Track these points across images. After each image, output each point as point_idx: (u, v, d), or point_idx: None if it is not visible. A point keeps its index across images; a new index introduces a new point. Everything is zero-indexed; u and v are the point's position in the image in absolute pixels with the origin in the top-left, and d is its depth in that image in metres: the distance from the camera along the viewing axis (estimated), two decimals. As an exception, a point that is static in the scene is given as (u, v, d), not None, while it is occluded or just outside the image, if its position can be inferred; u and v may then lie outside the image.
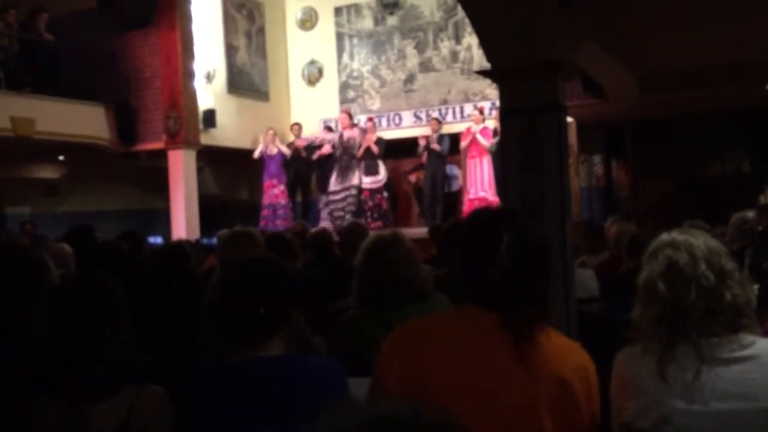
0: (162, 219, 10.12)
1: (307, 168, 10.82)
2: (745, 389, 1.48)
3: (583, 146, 10.48)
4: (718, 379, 1.50)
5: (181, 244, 3.11)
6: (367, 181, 10.13)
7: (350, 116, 10.43)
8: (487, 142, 9.58)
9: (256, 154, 10.49)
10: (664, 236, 1.65)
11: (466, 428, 0.61)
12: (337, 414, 0.57)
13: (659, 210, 9.39)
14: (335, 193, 10.18)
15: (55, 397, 1.62)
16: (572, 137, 10.11)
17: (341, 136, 10.31)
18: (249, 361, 1.50)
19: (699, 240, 1.61)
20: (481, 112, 9.94)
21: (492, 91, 9.38)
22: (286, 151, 10.51)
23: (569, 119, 9.62)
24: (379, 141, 10.12)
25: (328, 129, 10.91)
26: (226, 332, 1.55)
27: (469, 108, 10.62)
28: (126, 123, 9.77)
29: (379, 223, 9.48)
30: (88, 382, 1.58)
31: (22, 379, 1.64)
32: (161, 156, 9.78)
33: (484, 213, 1.54)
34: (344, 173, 10.16)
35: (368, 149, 10.07)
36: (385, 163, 10.36)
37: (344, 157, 10.20)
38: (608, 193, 11.05)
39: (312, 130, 11.40)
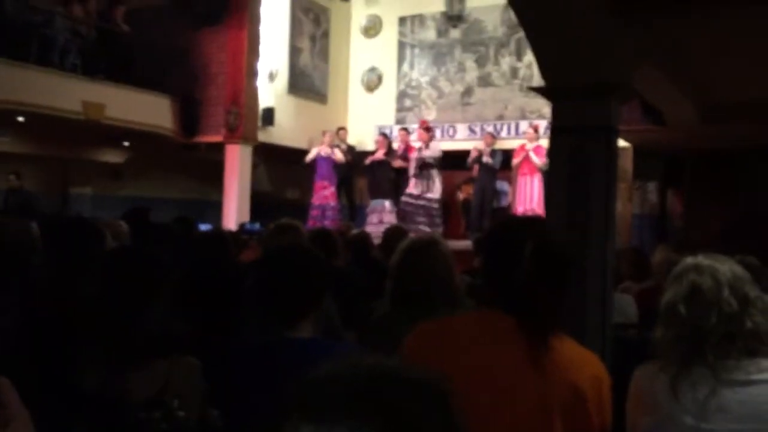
0: (215, 210, 10.42)
1: (351, 172, 10.94)
2: (759, 412, 1.49)
3: (639, 172, 10.28)
4: (732, 401, 1.52)
5: (221, 232, 3.26)
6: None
7: (428, 129, 10.35)
8: (539, 160, 9.52)
9: (310, 156, 10.61)
10: (689, 260, 1.67)
11: (455, 395, 0.68)
12: (336, 364, 0.64)
13: (713, 243, 9.13)
14: (414, 197, 10.21)
15: (99, 359, 1.73)
16: (627, 162, 9.96)
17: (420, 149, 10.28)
18: (279, 341, 1.59)
19: (724, 266, 1.62)
20: (536, 130, 9.89)
21: (549, 110, 9.33)
22: (340, 157, 10.60)
23: (626, 144, 9.49)
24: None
25: (384, 137, 11.00)
26: (261, 311, 1.65)
27: (524, 125, 10.59)
28: (189, 115, 10.11)
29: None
30: (128, 347, 1.69)
31: (71, 341, 1.77)
32: (219, 149, 10.08)
33: (510, 220, 1.59)
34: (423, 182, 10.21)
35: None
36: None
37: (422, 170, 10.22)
38: (661, 223, 10.81)
39: (367, 136, 11.56)
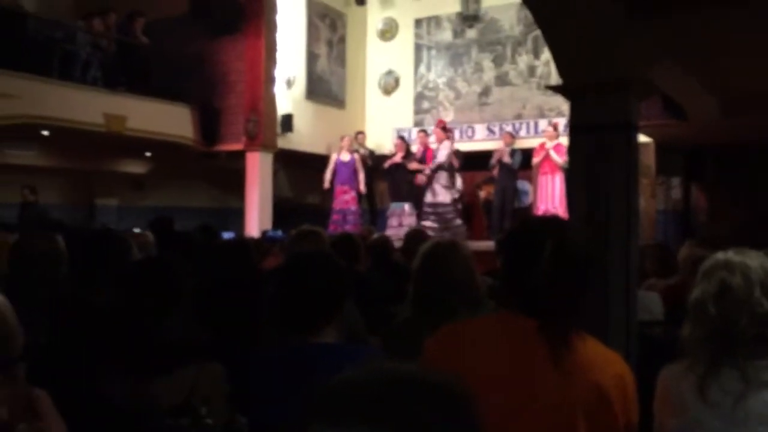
0: (237, 217, 10.51)
1: (370, 176, 10.96)
2: None
3: (662, 168, 10.18)
4: (763, 403, 1.49)
5: (244, 240, 3.30)
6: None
7: (445, 129, 10.27)
8: (560, 158, 9.46)
9: (332, 162, 10.63)
10: (720, 255, 1.62)
11: (473, 398, 0.69)
12: (355, 369, 0.65)
13: (738, 238, 9.00)
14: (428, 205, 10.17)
15: (125, 368, 1.77)
16: (650, 158, 9.86)
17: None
18: (302, 346, 1.61)
19: (755, 262, 1.57)
20: (555, 128, 9.83)
21: (568, 107, 9.27)
22: (357, 159, 10.62)
23: (647, 139, 9.40)
24: (458, 152, 10.17)
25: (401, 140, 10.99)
26: (284, 317, 1.67)
27: (543, 124, 10.54)
28: (209, 124, 10.22)
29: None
30: (154, 355, 1.73)
31: (96, 350, 1.80)
32: (240, 157, 10.17)
33: (530, 220, 1.59)
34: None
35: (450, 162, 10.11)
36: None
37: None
38: (686, 218, 10.69)
39: (386, 140, 11.58)
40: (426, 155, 10.36)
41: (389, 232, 9.51)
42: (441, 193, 9.99)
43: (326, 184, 10.58)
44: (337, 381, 0.64)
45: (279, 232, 5.74)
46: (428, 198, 10.06)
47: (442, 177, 9.98)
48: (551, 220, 1.65)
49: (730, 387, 1.51)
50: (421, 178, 10.23)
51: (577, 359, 1.43)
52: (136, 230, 4.70)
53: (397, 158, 10.59)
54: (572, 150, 4.25)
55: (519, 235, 1.55)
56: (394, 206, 10.62)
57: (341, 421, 0.59)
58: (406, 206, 10.45)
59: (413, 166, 10.41)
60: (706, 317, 1.57)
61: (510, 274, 1.52)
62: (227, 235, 5.21)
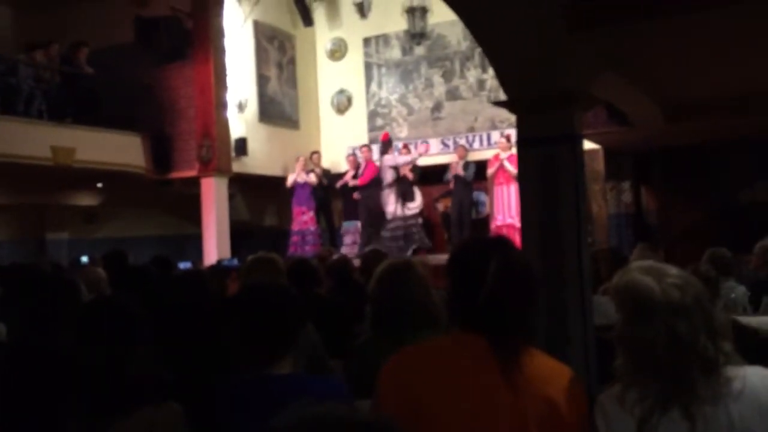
0: (195, 244, 10.37)
1: (327, 195, 10.99)
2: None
3: (612, 173, 10.45)
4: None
5: (199, 270, 3.27)
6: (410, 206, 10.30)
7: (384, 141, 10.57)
8: (514, 169, 9.62)
9: (290, 183, 10.70)
10: (654, 289, 1.51)
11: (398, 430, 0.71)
12: (288, 412, 0.67)
13: (688, 238, 9.30)
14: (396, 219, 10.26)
15: (78, 413, 1.73)
16: (599, 164, 10.12)
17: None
18: (257, 379, 1.61)
19: (688, 298, 1.50)
20: (508, 139, 10.00)
21: (518, 118, 9.47)
22: (313, 179, 10.69)
23: (596, 146, 9.65)
24: (414, 167, 10.30)
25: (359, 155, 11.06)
26: (236, 351, 1.67)
27: (496, 135, 10.73)
28: (161, 151, 10.09)
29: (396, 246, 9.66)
30: (110, 397, 1.70)
31: (51, 395, 1.76)
32: (194, 183, 10.06)
33: (472, 241, 1.63)
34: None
35: (404, 176, 10.24)
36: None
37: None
38: (638, 220, 10.98)
39: (342, 159, 11.61)
40: (367, 170, 10.42)
41: (344, 251, 9.54)
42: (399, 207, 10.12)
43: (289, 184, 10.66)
44: (271, 425, 0.66)
45: (234, 261, 5.70)
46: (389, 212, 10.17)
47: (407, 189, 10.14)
48: (495, 239, 1.69)
49: (675, 428, 1.47)
50: (356, 195, 10.41)
51: (527, 374, 1.47)
52: (84, 259, 4.57)
53: (348, 176, 10.63)
54: (521, 162, 4.33)
55: (464, 256, 1.58)
56: (346, 225, 10.67)
57: None
58: (358, 223, 10.50)
59: (350, 182, 10.50)
60: (654, 361, 1.50)
61: (457, 293, 1.55)
62: (184, 265, 5.13)
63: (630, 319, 1.55)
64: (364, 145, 11.02)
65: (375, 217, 10.27)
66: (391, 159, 10.26)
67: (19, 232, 10.47)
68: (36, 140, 8.53)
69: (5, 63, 8.92)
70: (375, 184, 10.35)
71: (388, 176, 10.18)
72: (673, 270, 1.57)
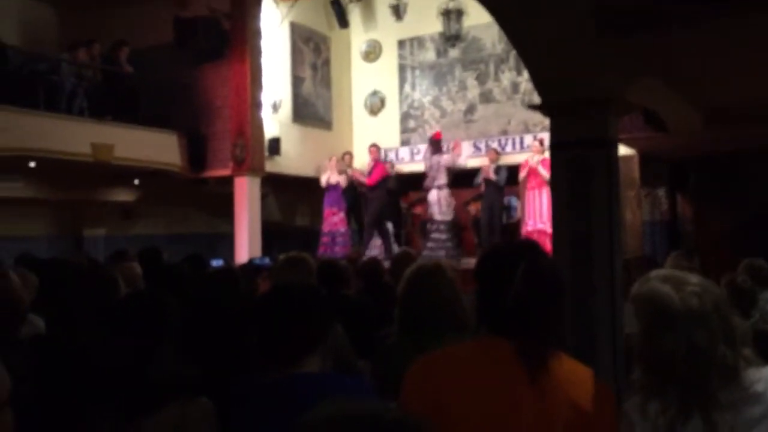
0: (227, 243, 10.50)
1: (357, 197, 11.00)
2: None
3: (647, 179, 10.27)
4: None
5: (232, 269, 3.31)
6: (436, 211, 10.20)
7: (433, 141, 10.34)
8: (546, 173, 9.53)
9: (323, 183, 10.76)
10: (676, 302, 1.52)
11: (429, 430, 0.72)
12: (319, 408, 0.68)
13: (724, 247, 9.09)
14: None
15: (107, 409, 1.76)
16: (634, 170, 9.95)
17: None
18: (284, 378, 1.63)
19: (708, 305, 1.52)
20: (541, 143, 9.90)
21: (552, 123, 9.38)
22: (343, 180, 10.72)
23: (631, 151, 9.50)
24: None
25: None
26: (264, 349, 1.70)
27: (528, 139, 10.65)
28: (196, 150, 10.24)
29: (442, 253, 9.55)
30: (142, 393, 1.73)
31: (84, 390, 1.80)
32: (228, 182, 10.19)
33: (500, 245, 1.63)
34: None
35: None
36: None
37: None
38: (673, 228, 10.78)
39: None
40: (375, 170, 10.41)
41: (373, 252, 9.54)
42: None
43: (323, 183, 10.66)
44: (302, 421, 0.67)
45: (266, 259, 5.76)
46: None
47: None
48: (523, 243, 1.70)
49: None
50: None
51: (554, 379, 1.46)
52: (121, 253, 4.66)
53: (360, 176, 10.64)
54: (554, 166, 4.30)
55: (492, 260, 1.58)
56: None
57: None
58: (390, 225, 10.48)
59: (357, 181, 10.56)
60: (673, 371, 1.53)
61: (485, 298, 1.55)
62: (216, 263, 5.21)
63: (649, 329, 1.57)
64: (372, 145, 10.92)
65: (379, 217, 10.21)
66: (449, 159, 10.02)
67: (56, 228, 10.72)
68: (77, 137, 8.74)
69: (49, 61, 9.16)
70: (383, 185, 10.34)
71: (442, 177, 9.96)
72: (693, 278, 1.58)
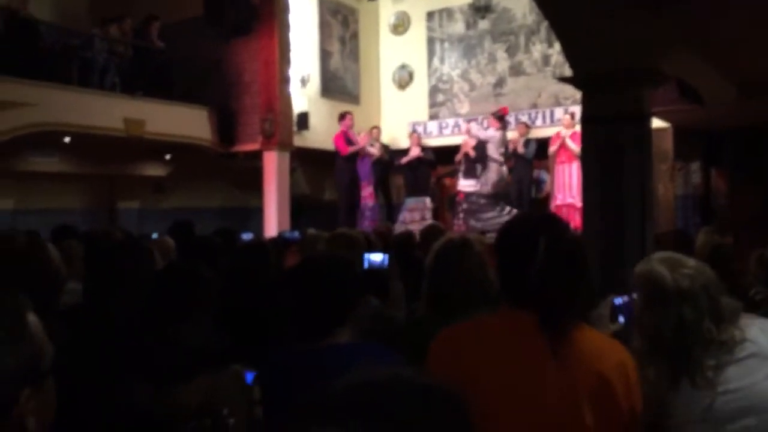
0: (256, 216, 10.62)
1: (385, 171, 11.03)
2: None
3: (681, 153, 10.06)
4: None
5: (262, 242, 3.36)
6: (464, 184, 10.16)
7: (501, 118, 10.22)
8: (576, 147, 9.40)
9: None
10: (668, 280, 1.75)
11: (464, 400, 0.73)
12: (348, 375, 0.70)
13: (758, 222, 8.91)
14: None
15: (148, 375, 1.82)
16: (668, 143, 9.76)
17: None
18: (313, 349, 1.67)
19: (697, 285, 1.74)
20: (573, 116, 9.75)
21: (583, 95, 9.22)
22: (375, 152, 10.71)
23: (665, 124, 9.31)
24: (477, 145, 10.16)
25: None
26: (295, 320, 1.73)
27: (559, 112, 10.50)
28: (226, 125, 10.33)
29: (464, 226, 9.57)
30: (176, 361, 1.79)
31: (119, 359, 1.86)
32: (257, 157, 10.28)
33: (521, 218, 1.64)
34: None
35: (466, 154, 10.12)
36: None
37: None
38: (706, 202, 10.58)
39: (401, 134, 11.62)
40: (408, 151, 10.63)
41: (401, 226, 9.56)
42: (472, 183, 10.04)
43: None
44: (332, 385, 0.69)
45: (296, 233, 5.82)
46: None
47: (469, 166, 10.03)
48: (544, 216, 1.71)
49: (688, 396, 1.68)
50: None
51: (577, 350, 1.48)
52: (155, 236, 4.78)
53: (415, 152, 10.63)
54: (585, 140, 4.26)
55: (513, 233, 1.59)
56: (411, 201, 10.62)
57: (330, 420, 0.64)
58: (427, 200, 10.49)
59: (405, 159, 10.63)
60: (664, 342, 1.75)
61: (507, 271, 1.56)
62: (246, 236, 5.28)
63: (646, 304, 1.78)
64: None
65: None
66: (515, 136, 10.05)
67: (91, 201, 10.95)
68: (109, 112, 8.88)
69: (80, 37, 9.27)
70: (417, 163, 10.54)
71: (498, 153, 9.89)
72: (689, 262, 1.80)
